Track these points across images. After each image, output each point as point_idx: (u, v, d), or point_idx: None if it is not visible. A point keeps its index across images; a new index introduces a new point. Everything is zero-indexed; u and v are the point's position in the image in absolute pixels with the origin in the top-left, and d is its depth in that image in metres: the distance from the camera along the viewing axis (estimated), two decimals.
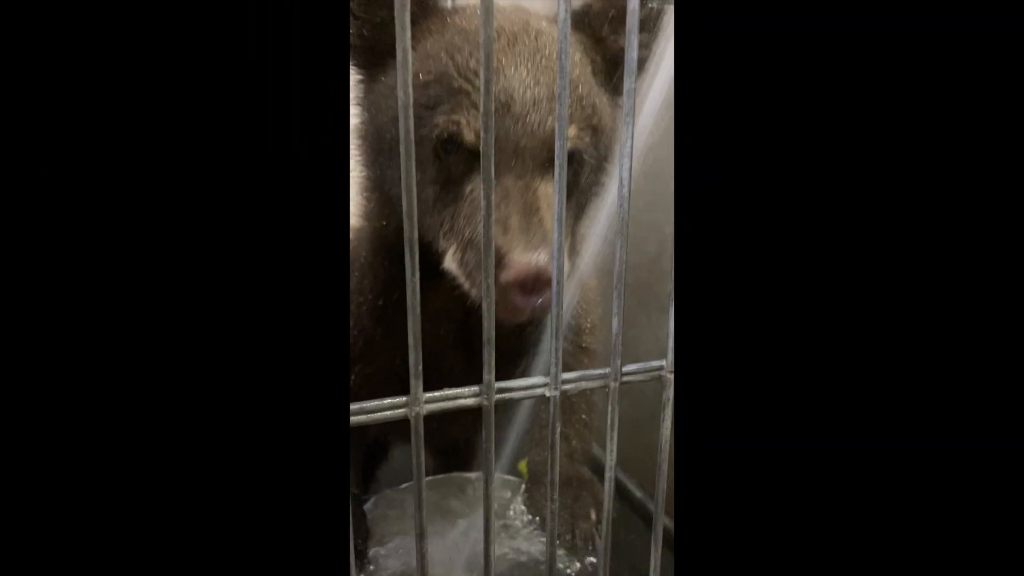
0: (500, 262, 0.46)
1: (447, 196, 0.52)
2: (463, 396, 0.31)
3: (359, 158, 0.59)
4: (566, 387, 0.33)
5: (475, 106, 0.49)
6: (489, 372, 0.30)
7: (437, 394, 0.30)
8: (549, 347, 0.31)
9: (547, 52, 0.52)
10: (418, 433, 0.30)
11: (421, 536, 0.32)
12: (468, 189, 0.50)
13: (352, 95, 0.57)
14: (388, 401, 0.29)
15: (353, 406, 0.29)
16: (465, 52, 0.51)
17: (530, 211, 0.50)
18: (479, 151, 0.33)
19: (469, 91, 0.49)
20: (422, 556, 0.33)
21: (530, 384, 0.32)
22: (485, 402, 0.31)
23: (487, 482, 0.32)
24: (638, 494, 0.96)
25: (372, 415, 0.29)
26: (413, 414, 0.29)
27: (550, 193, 0.52)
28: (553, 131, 0.50)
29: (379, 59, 0.55)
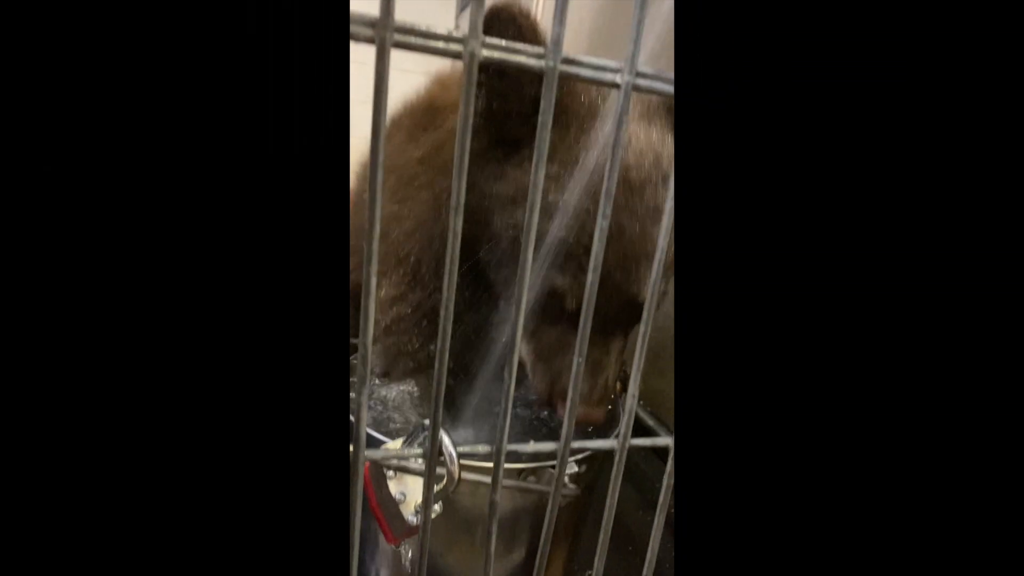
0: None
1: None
2: (526, 53, 0.27)
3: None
4: (640, 81, 0.28)
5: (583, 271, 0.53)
6: (560, 25, 0.26)
7: (495, 41, 0.26)
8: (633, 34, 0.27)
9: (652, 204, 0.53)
10: (471, 76, 0.26)
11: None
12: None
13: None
14: (442, 32, 0.25)
15: (407, 37, 0.25)
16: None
17: (597, 370, 0.58)
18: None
19: (580, 258, 0.51)
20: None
21: (601, 64, 0.28)
22: (550, 63, 0.27)
23: (537, 166, 0.27)
24: (648, 421, 0.92)
25: (422, 40, 0.25)
26: (468, 51, 0.25)
27: (619, 348, 0.63)
28: (633, 295, 0.59)
29: None
